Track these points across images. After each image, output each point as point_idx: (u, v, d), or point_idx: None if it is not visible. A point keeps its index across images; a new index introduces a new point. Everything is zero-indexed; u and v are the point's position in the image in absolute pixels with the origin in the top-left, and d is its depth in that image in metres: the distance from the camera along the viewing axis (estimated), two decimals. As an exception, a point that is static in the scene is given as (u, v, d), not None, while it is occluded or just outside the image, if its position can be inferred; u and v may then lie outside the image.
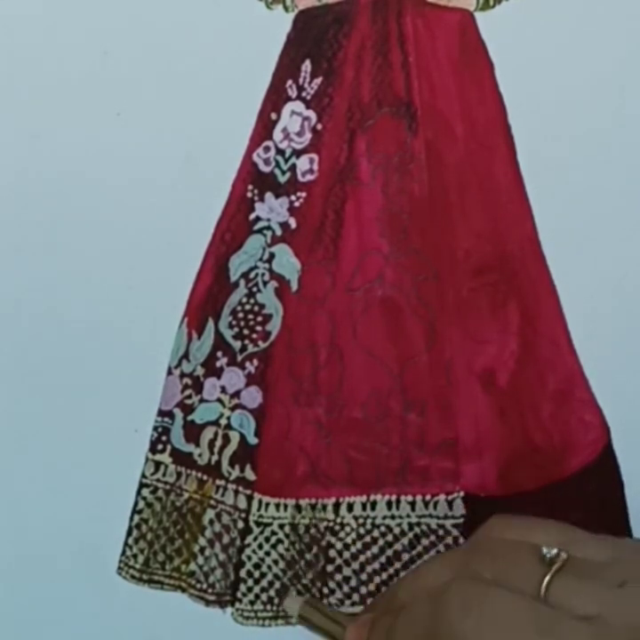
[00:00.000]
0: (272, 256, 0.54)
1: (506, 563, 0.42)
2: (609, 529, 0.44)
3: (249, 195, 0.54)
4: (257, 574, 0.55)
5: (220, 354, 0.54)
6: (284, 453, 0.54)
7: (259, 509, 0.55)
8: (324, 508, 0.54)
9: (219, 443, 0.55)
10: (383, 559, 0.55)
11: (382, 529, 0.54)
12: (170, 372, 0.55)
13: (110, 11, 0.52)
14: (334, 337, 0.54)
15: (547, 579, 0.40)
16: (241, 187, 0.54)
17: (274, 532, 0.55)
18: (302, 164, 0.54)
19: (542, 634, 0.39)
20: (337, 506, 0.55)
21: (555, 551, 0.41)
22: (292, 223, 0.54)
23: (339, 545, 0.55)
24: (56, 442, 0.55)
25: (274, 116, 0.54)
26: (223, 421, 0.55)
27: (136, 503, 0.55)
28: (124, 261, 0.54)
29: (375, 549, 0.55)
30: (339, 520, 0.54)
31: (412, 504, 0.54)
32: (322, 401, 0.54)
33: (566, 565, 0.41)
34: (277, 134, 0.54)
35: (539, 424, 0.54)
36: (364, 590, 0.54)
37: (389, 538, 0.54)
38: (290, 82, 0.53)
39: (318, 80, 0.53)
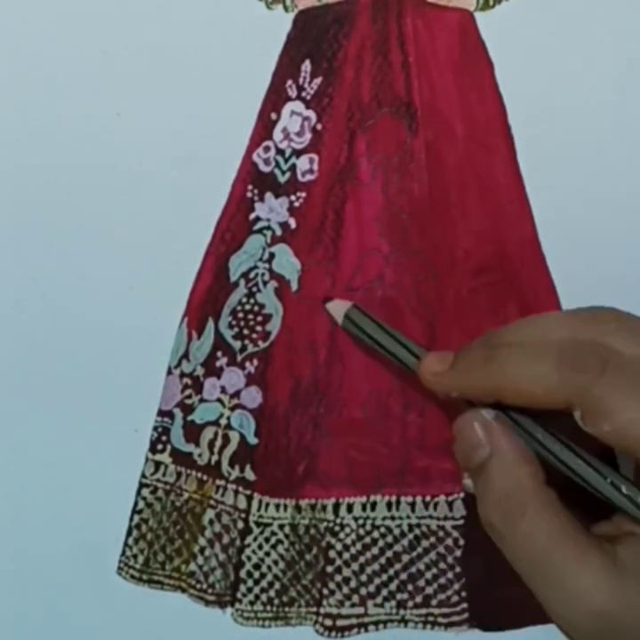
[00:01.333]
0: (272, 256, 0.54)
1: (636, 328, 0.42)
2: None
3: (249, 195, 0.54)
4: (257, 575, 0.55)
5: (219, 354, 0.54)
6: (284, 453, 0.54)
7: (258, 510, 0.54)
8: (324, 508, 0.54)
9: (219, 443, 0.55)
10: (383, 560, 0.54)
11: (382, 530, 0.54)
12: (170, 372, 0.55)
13: (110, 11, 0.52)
14: (334, 337, 0.54)
15: None
16: (241, 187, 0.54)
17: (274, 533, 0.55)
18: (302, 163, 0.54)
19: None
20: (337, 506, 0.54)
21: None
22: (292, 223, 0.54)
23: (338, 546, 0.54)
24: (56, 442, 0.55)
25: (274, 115, 0.54)
26: (223, 421, 0.55)
27: (136, 503, 0.55)
28: (125, 261, 0.54)
29: (375, 550, 0.54)
30: (338, 521, 0.54)
31: (412, 505, 0.54)
32: (322, 401, 0.54)
33: None
34: (277, 134, 0.54)
35: (538, 424, 0.54)
36: (363, 591, 0.54)
37: (389, 539, 0.54)
38: (290, 82, 0.53)
39: (318, 80, 0.53)
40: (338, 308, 0.51)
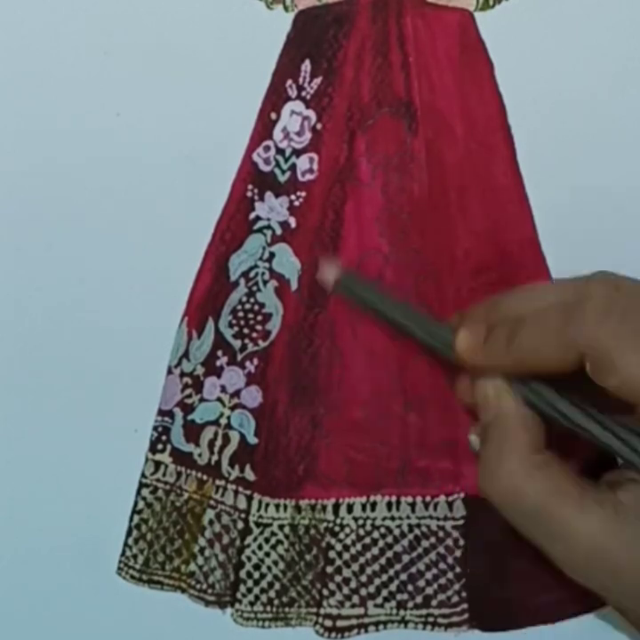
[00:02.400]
0: (272, 255, 0.54)
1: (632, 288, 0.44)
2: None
3: (249, 194, 0.54)
4: (257, 575, 0.55)
5: (219, 353, 0.54)
6: (284, 453, 0.54)
7: (258, 510, 0.54)
8: (324, 508, 0.54)
9: (219, 442, 0.55)
10: (383, 561, 0.54)
11: (382, 530, 0.54)
12: (170, 372, 0.55)
13: (110, 11, 0.53)
14: (334, 337, 0.54)
15: None
16: (241, 186, 0.54)
17: (273, 533, 0.55)
18: (302, 163, 0.54)
19: None
20: (337, 507, 0.54)
21: None
22: (292, 222, 0.54)
23: (338, 546, 0.54)
24: (56, 442, 0.55)
25: (274, 115, 0.54)
26: (223, 421, 0.55)
27: (136, 503, 0.55)
28: (124, 261, 0.54)
29: (375, 551, 0.54)
30: (338, 521, 0.54)
31: (412, 505, 0.54)
32: (322, 401, 0.54)
33: None
34: (277, 134, 0.54)
35: (538, 424, 0.54)
36: (363, 592, 0.54)
37: (389, 539, 0.54)
38: (290, 81, 0.53)
39: (318, 80, 0.53)
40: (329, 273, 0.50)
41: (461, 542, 0.54)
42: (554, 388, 0.45)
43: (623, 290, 0.43)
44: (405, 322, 0.49)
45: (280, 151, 0.54)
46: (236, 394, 0.54)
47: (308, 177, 0.54)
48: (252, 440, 0.54)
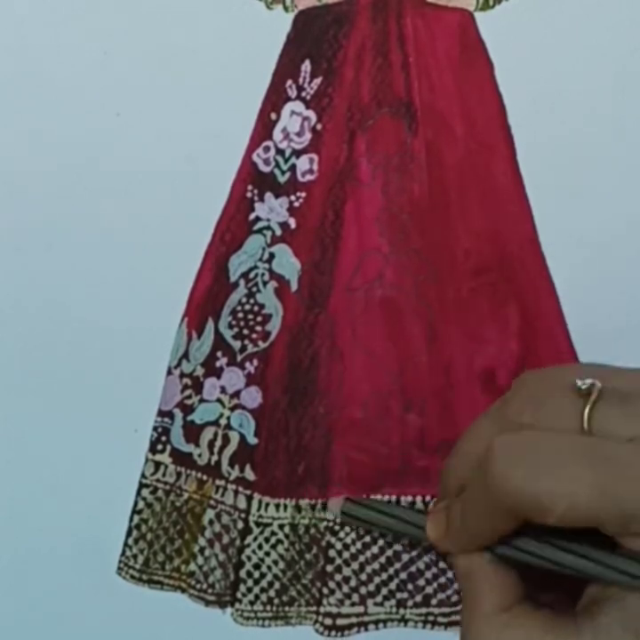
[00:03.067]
0: (272, 256, 0.54)
1: (543, 404, 0.42)
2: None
3: (249, 195, 0.54)
4: (257, 575, 0.55)
5: (219, 354, 0.54)
6: (284, 453, 0.54)
7: (258, 509, 0.55)
8: (324, 508, 0.54)
9: (218, 443, 0.55)
10: (383, 559, 0.54)
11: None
12: (170, 372, 0.55)
13: (110, 11, 0.52)
14: (334, 337, 0.54)
15: (587, 410, 0.41)
16: (241, 187, 0.54)
17: (274, 533, 0.55)
18: (302, 164, 0.54)
19: (595, 462, 0.39)
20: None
21: (589, 381, 0.41)
22: (292, 223, 0.54)
23: (338, 545, 0.54)
24: (56, 442, 0.55)
25: (274, 115, 0.54)
26: (223, 421, 0.55)
27: (136, 503, 0.55)
28: (124, 261, 0.54)
29: (375, 549, 0.54)
30: (338, 520, 0.54)
31: (413, 505, 0.54)
32: (322, 401, 0.54)
33: (603, 395, 0.41)
34: (277, 134, 0.54)
35: (538, 424, 0.54)
36: (363, 590, 0.54)
37: (389, 538, 0.54)
38: (290, 82, 0.53)
39: (318, 80, 0.53)
40: (334, 507, 0.52)
41: (461, 542, 0.54)
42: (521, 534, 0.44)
43: (533, 410, 0.42)
44: (401, 529, 0.48)
45: (280, 151, 0.54)
46: (236, 394, 0.54)
47: (308, 177, 0.54)
48: (252, 440, 0.54)
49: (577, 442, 0.40)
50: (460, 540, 0.45)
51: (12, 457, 0.55)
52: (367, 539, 0.54)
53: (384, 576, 0.54)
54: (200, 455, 0.55)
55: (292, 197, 0.54)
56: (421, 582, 0.54)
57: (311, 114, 0.53)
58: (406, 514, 0.48)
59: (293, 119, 0.54)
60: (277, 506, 0.55)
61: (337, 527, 0.54)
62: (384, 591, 0.54)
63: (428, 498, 0.54)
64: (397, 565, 0.54)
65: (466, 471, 0.45)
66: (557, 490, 0.40)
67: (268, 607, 0.55)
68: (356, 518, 0.49)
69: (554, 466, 0.40)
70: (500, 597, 0.44)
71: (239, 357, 0.54)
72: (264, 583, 0.55)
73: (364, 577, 0.54)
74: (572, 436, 0.41)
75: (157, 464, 0.55)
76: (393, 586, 0.54)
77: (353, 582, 0.54)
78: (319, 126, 0.54)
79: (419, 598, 0.54)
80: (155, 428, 0.55)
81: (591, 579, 0.42)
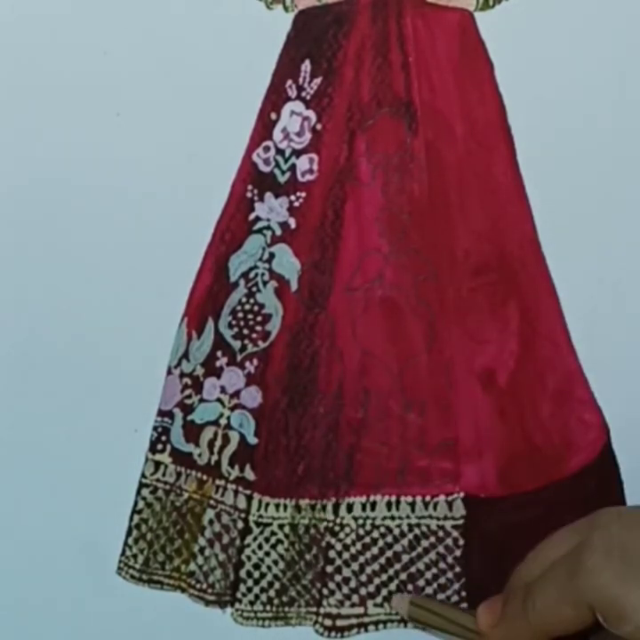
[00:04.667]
0: (272, 256, 0.54)
1: (634, 521, 0.43)
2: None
3: (249, 195, 0.54)
4: (256, 574, 0.55)
5: (219, 354, 0.54)
6: (284, 453, 0.54)
7: (258, 509, 0.54)
8: (324, 508, 0.54)
9: (218, 443, 0.55)
10: (383, 560, 0.54)
11: (382, 530, 0.54)
12: (170, 372, 0.55)
13: (110, 11, 0.52)
14: (334, 337, 0.54)
15: None
16: (241, 187, 0.54)
17: (273, 533, 0.55)
18: (302, 163, 0.54)
19: None
20: (336, 506, 0.54)
21: None
22: (292, 223, 0.54)
23: (338, 546, 0.54)
24: (56, 442, 0.55)
25: (274, 115, 0.54)
26: (223, 421, 0.55)
27: (136, 503, 0.55)
28: (125, 261, 0.54)
29: (375, 550, 0.54)
30: (338, 520, 0.54)
31: (412, 505, 0.54)
32: (322, 401, 0.54)
33: None
34: (277, 134, 0.54)
35: (538, 424, 0.54)
36: (363, 591, 0.54)
37: (389, 539, 0.54)
38: (290, 82, 0.53)
39: (318, 80, 0.53)
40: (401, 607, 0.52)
41: (461, 542, 0.54)
42: None
43: (623, 522, 0.43)
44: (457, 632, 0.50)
45: (280, 151, 0.54)
46: (236, 394, 0.54)
47: (308, 177, 0.54)
48: (252, 440, 0.54)
49: None
50: (514, 630, 0.45)
51: (12, 457, 0.55)
52: (367, 540, 0.54)
53: (384, 577, 0.54)
54: (200, 455, 0.55)
55: (292, 197, 0.54)
56: (421, 583, 0.54)
57: (311, 114, 0.54)
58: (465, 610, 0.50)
59: (293, 119, 0.54)
60: (277, 506, 0.55)
61: (337, 528, 0.54)
62: (384, 592, 0.54)
63: (427, 498, 0.54)
64: (397, 566, 0.54)
65: (537, 574, 0.45)
66: None
67: (268, 607, 0.55)
68: (420, 622, 0.51)
69: None
70: None
71: (239, 357, 0.54)
72: (264, 583, 0.55)
73: (364, 578, 0.54)
74: None
75: (157, 464, 0.55)
76: (393, 586, 0.54)
77: (353, 583, 0.54)
78: (319, 126, 0.54)
79: (419, 599, 0.54)
80: (155, 428, 0.55)
81: None
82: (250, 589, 0.55)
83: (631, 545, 0.42)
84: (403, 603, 0.52)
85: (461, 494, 0.54)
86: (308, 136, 0.54)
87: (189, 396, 0.55)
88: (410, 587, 0.54)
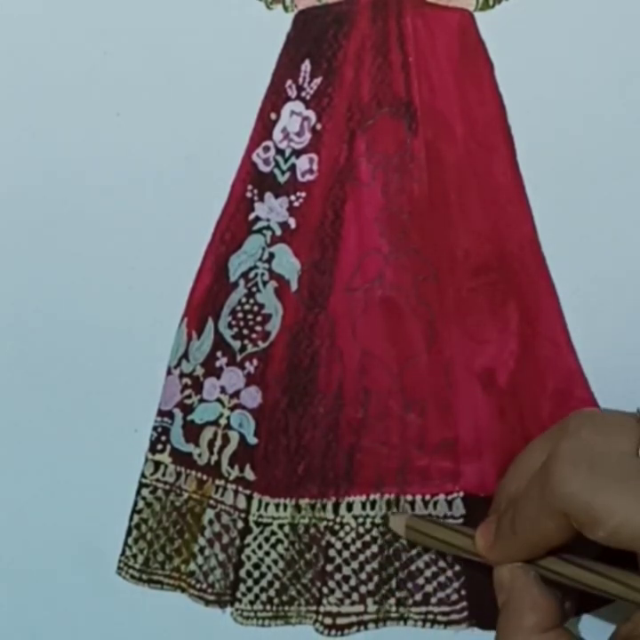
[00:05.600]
0: (272, 256, 0.54)
1: (603, 424, 0.44)
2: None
3: (248, 195, 0.54)
4: (256, 574, 0.55)
5: (219, 354, 0.54)
6: (284, 453, 0.54)
7: (258, 509, 0.55)
8: (324, 507, 0.54)
9: (218, 443, 0.55)
10: (382, 558, 0.54)
11: (382, 528, 0.54)
12: (169, 372, 0.55)
13: (110, 11, 0.52)
14: (334, 337, 0.54)
15: None
16: (240, 187, 0.54)
17: (273, 532, 0.55)
18: (302, 163, 0.54)
19: None
20: (337, 505, 0.54)
21: None
22: (292, 223, 0.54)
23: (338, 544, 0.55)
24: (56, 442, 0.55)
25: (273, 115, 0.54)
26: (223, 421, 0.55)
27: (136, 503, 0.55)
28: (124, 261, 0.54)
29: (374, 548, 0.55)
30: (338, 520, 0.54)
31: (412, 504, 0.54)
32: (322, 401, 0.54)
33: None
34: (277, 134, 0.54)
35: (538, 423, 0.54)
36: (363, 589, 0.54)
37: (389, 537, 0.54)
38: (289, 82, 0.53)
39: (318, 80, 0.53)
40: (398, 522, 0.53)
41: (460, 541, 0.54)
42: (573, 554, 0.46)
43: (593, 426, 0.44)
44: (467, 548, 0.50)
45: (280, 151, 0.54)
46: (236, 394, 0.54)
47: (308, 177, 0.54)
48: (252, 440, 0.54)
49: (636, 463, 0.41)
50: (508, 548, 0.46)
51: (12, 457, 0.55)
52: (367, 538, 0.55)
53: (383, 575, 0.54)
54: (200, 455, 0.55)
55: (292, 197, 0.54)
56: (421, 581, 0.54)
57: (311, 114, 0.53)
58: (464, 530, 0.50)
59: (293, 119, 0.54)
60: (277, 505, 0.55)
61: (337, 526, 0.54)
62: (384, 590, 0.54)
63: (427, 497, 0.54)
64: (397, 564, 0.54)
65: (519, 487, 0.46)
66: (613, 504, 0.41)
67: (268, 607, 0.55)
68: (420, 533, 0.51)
69: (612, 480, 0.41)
70: (541, 617, 0.45)
71: (239, 357, 0.54)
72: (264, 583, 0.55)
73: (363, 576, 0.55)
74: (632, 456, 0.42)
75: (157, 464, 0.55)
76: (393, 585, 0.54)
77: (353, 581, 0.55)
78: (319, 126, 0.54)
79: (418, 597, 0.54)
80: (155, 428, 0.55)
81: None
82: (250, 589, 0.55)
83: (599, 449, 0.42)
84: (399, 524, 0.52)
85: (461, 494, 0.54)
86: (307, 136, 0.54)
87: (189, 396, 0.55)
88: (410, 585, 0.54)
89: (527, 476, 0.46)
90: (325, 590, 0.54)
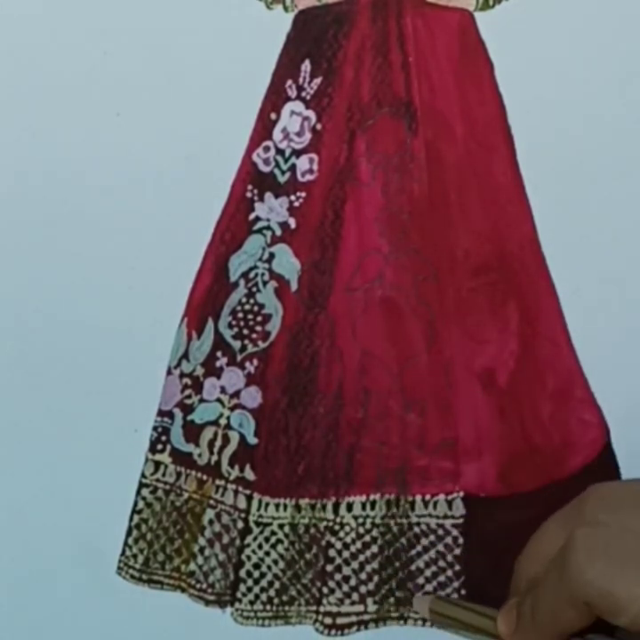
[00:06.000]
0: (272, 256, 0.54)
1: (619, 506, 0.43)
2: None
3: (249, 195, 0.54)
4: (256, 574, 0.55)
5: (219, 354, 0.54)
6: (284, 453, 0.54)
7: (258, 509, 0.55)
8: (324, 507, 0.54)
9: (218, 443, 0.55)
10: (382, 558, 0.55)
11: (382, 528, 0.54)
12: (169, 372, 0.55)
13: (110, 11, 0.52)
14: (334, 337, 0.54)
15: None
16: (241, 187, 0.54)
17: (273, 532, 0.55)
18: (302, 163, 0.54)
19: None
20: (336, 506, 0.55)
21: None
22: (292, 223, 0.54)
23: (338, 544, 0.55)
24: (56, 441, 0.55)
25: (273, 115, 0.54)
26: (223, 421, 0.55)
27: (136, 503, 0.55)
28: (125, 262, 0.54)
29: (374, 549, 0.55)
30: (338, 520, 0.54)
31: (412, 503, 0.54)
32: (322, 401, 0.54)
33: None
34: (277, 134, 0.54)
35: (538, 424, 0.54)
36: (363, 589, 0.54)
37: (389, 537, 0.54)
38: (289, 82, 0.53)
39: (318, 80, 0.53)
40: (422, 604, 0.52)
41: (460, 540, 0.54)
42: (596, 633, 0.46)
43: (607, 505, 0.43)
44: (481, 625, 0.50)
45: (280, 151, 0.54)
46: (236, 394, 0.54)
47: (308, 177, 0.54)
48: (252, 440, 0.54)
49: None
50: (530, 636, 0.46)
51: (12, 457, 0.55)
52: (367, 538, 0.55)
53: (384, 575, 0.55)
54: (200, 455, 0.55)
55: (292, 197, 0.54)
56: (421, 581, 0.54)
57: (311, 114, 0.53)
58: (487, 612, 0.49)
59: (293, 119, 0.54)
60: (277, 505, 0.55)
61: (337, 527, 0.54)
62: (384, 590, 0.54)
63: (427, 497, 0.54)
64: (397, 564, 0.54)
65: (537, 570, 0.46)
66: (633, 589, 0.40)
67: (268, 607, 0.55)
68: (443, 616, 0.51)
69: (632, 564, 0.41)
70: None
71: (239, 357, 0.54)
72: (264, 583, 0.55)
73: (363, 576, 0.55)
74: None
75: (157, 464, 0.55)
76: (392, 584, 0.54)
77: (353, 581, 0.55)
78: (319, 126, 0.54)
79: (418, 597, 0.54)
80: (155, 428, 0.55)
81: None
82: (250, 589, 0.55)
83: (615, 531, 0.42)
84: (423, 605, 0.52)
85: (461, 494, 0.54)
86: (307, 136, 0.54)
87: (189, 396, 0.55)
88: (410, 585, 0.54)
89: (545, 559, 0.45)
90: (325, 590, 0.54)
